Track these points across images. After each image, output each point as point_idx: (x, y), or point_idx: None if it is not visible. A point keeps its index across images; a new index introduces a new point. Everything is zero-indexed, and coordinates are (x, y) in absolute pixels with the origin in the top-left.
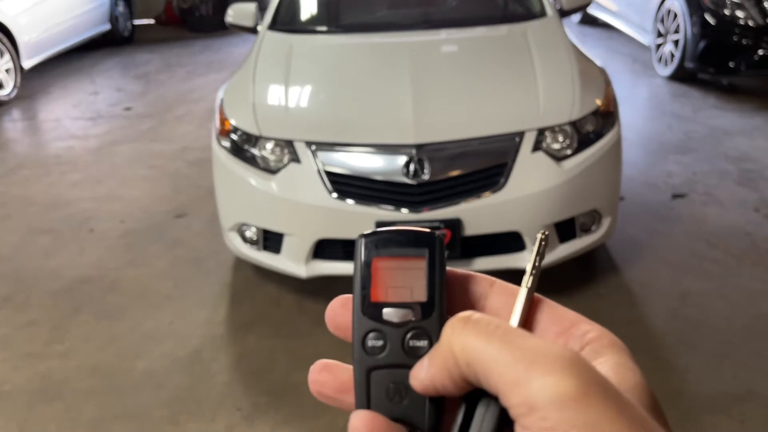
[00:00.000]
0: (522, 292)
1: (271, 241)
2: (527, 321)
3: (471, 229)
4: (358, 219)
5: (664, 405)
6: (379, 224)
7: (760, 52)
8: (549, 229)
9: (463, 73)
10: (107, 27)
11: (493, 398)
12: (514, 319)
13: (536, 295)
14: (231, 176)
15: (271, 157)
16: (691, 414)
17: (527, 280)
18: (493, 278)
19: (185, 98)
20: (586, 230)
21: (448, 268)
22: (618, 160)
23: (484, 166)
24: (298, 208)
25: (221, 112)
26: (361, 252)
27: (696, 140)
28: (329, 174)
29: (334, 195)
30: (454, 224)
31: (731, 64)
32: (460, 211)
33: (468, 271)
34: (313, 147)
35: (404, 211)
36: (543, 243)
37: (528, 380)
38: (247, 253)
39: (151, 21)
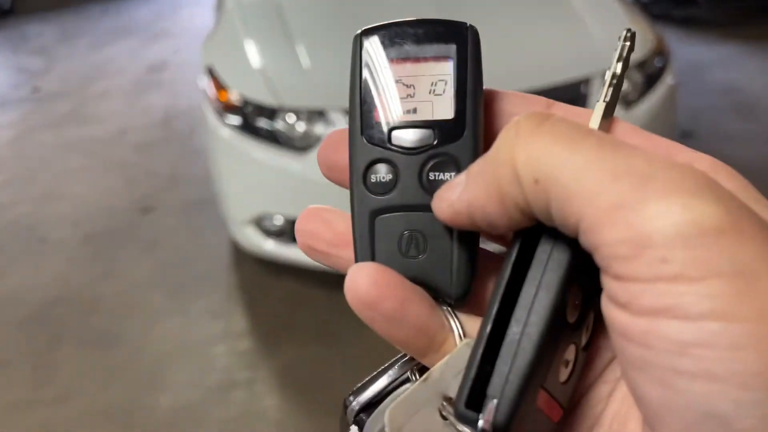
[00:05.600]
0: (598, 107)
1: None
2: None
3: None
4: None
5: None
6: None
7: None
8: None
9: (499, 16)
10: None
11: (561, 236)
12: None
13: (615, 117)
14: (244, 159)
15: (297, 132)
16: None
17: (605, 92)
18: (551, 100)
19: (101, 72)
20: None
21: (487, 86)
22: (675, 101)
23: None
24: (336, 189)
25: (216, 83)
26: (361, 53)
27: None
28: None
29: None
30: None
31: None
32: None
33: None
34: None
35: None
36: (628, 44)
37: (640, 202)
38: (270, 249)
39: None
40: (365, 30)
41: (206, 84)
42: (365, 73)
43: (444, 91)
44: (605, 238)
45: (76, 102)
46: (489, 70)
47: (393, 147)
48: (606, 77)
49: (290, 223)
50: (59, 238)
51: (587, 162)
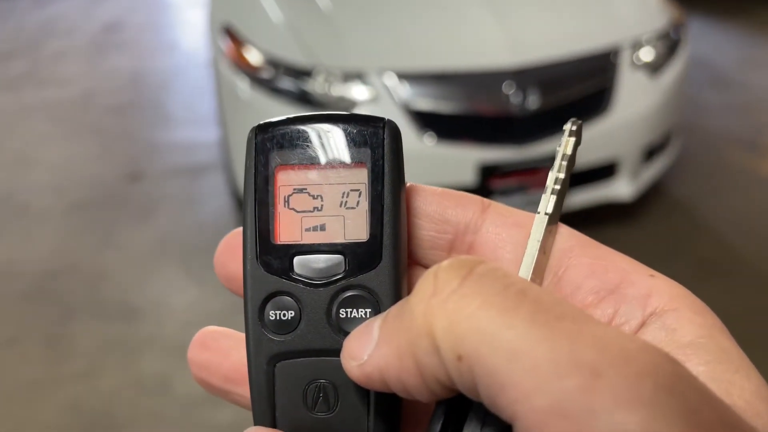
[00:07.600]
0: (538, 221)
1: None
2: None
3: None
4: (454, 163)
5: None
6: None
7: None
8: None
9: None
10: None
11: (492, 416)
12: (526, 266)
13: (560, 225)
14: None
15: (332, 95)
16: None
17: (546, 202)
18: (487, 200)
19: (51, 30)
20: (662, 150)
21: (409, 183)
22: (688, 70)
23: (587, 88)
24: None
25: (236, 41)
26: (256, 155)
27: None
28: (414, 112)
29: (425, 136)
30: None
31: None
32: None
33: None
34: (392, 79)
35: (509, 146)
36: (574, 139)
37: (587, 414)
38: None
39: None
40: (261, 126)
41: (224, 43)
42: (261, 181)
43: (357, 204)
44: None
45: (30, 63)
46: (520, 40)
47: (296, 277)
48: (548, 183)
49: None
50: (42, 207)
51: (523, 342)
